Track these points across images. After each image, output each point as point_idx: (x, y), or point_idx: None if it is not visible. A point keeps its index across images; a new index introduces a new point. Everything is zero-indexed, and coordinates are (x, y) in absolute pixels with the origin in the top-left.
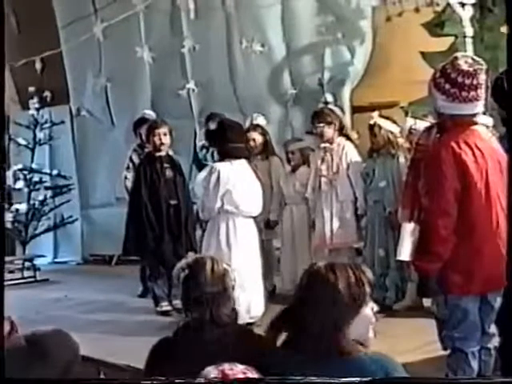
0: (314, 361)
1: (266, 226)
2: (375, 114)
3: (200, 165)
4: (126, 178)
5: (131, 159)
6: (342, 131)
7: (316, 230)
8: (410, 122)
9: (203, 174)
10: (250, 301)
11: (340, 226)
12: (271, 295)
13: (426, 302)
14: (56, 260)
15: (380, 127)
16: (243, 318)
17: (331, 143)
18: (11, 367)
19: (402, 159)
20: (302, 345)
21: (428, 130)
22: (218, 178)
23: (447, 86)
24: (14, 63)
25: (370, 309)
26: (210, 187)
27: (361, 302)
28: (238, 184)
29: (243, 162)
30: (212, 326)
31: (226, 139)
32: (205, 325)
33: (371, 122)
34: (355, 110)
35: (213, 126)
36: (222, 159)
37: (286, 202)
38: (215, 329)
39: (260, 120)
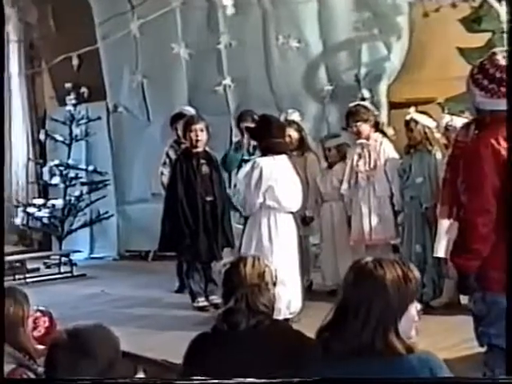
0: (356, 359)
1: (302, 221)
2: (412, 109)
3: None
4: (162, 173)
5: (168, 155)
6: (377, 127)
7: (354, 226)
8: (446, 118)
9: (246, 169)
10: (290, 296)
11: (379, 222)
12: (307, 291)
13: (463, 299)
14: (92, 255)
15: (416, 122)
16: (284, 314)
17: (367, 139)
18: (54, 362)
19: (439, 155)
20: (345, 343)
21: (466, 126)
22: (261, 173)
23: (486, 82)
24: (51, 60)
25: (414, 307)
26: (252, 183)
27: (409, 300)
28: (280, 179)
29: (284, 157)
30: (248, 314)
31: (269, 134)
32: (240, 313)
33: (407, 118)
34: (392, 105)
35: (249, 122)
36: (264, 154)
37: (325, 199)
38: (251, 318)
39: (295, 116)
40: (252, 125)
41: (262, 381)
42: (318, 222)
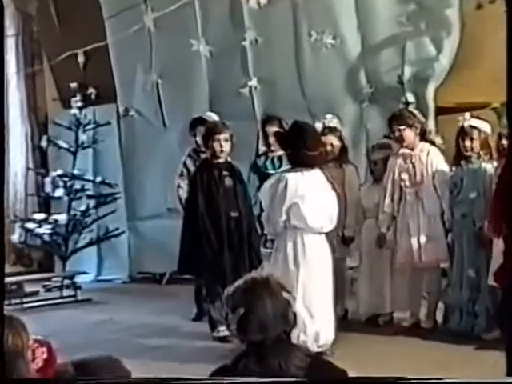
0: None
1: (342, 242)
2: (467, 115)
3: (259, 173)
4: (179, 186)
5: (185, 165)
6: (424, 136)
7: (400, 247)
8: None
9: (270, 181)
10: (318, 328)
11: (429, 242)
12: (342, 321)
13: None
14: (100, 278)
15: (479, 130)
16: (311, 347)
17: (412, 149)
18: None
19: (494, 166)
20: None
21: None
22: (285, 188)
23: None
24: (54, 57)
25: None
26: (276, 198)
27: None
28: (308, 197)
29: (316, 171)
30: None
31: (302, 145)
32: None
33: (465, 124)
34: (440, 111)
35: (276, 126)
36: (292, 167)
37: (367, 216)
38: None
39: (335, 122)
40: (279, 129)
41: (262, 380)
42: (358, 242)
